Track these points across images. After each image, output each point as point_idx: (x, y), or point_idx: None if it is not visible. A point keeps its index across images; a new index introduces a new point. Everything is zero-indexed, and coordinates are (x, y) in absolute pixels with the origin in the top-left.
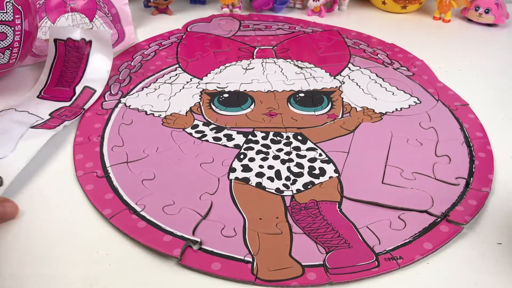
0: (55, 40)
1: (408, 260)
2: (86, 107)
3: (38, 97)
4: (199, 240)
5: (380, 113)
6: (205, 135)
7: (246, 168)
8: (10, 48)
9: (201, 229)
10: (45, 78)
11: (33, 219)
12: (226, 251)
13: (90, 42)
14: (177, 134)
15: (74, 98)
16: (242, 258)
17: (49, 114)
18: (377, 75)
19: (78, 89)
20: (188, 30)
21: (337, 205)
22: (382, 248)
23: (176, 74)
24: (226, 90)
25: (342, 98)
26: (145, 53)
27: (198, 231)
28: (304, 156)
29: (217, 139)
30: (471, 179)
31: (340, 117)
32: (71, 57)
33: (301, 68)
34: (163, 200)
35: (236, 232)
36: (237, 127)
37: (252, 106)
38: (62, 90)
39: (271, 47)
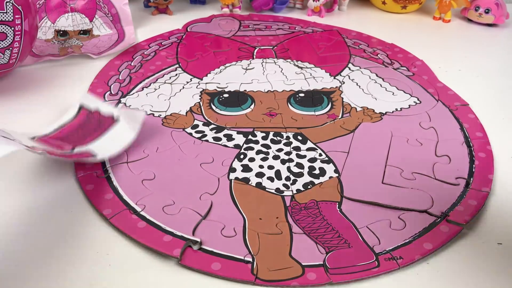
0: (80, 107)
1: (408, 260)
2: (76, 159)
3: (31, 138)
4: (199, 240)
5: (380, 113)
6: (205, 135)
7: (246, 168)
8: (10, 48)
9: (201, 229)
10: (49, 131)
11: (33, 219)
12: (226, 251)
13: (117, 120)
14: (177, 134)
15: (68, 151)
16: (242, 258)
17: (32, 139)
18: (377, 75)
19: (78, 150)
20: (188, 30)
21: (337, 205)
22: (382, 248)
23: (176, 74)
24: (226, 90)
25: (342, 98)
26: (145, 53)
27: (198, 231)
28: (304, 156)
29: (217, 139)
30: (471, 179)
31: (340, 117)
32: (89, 125)
33: (301, 68)
34: (163, 200)
35: (236, 232)
36: (237, 127)
37: (252, 106)
38: (60, 144)
39: (271, 47)
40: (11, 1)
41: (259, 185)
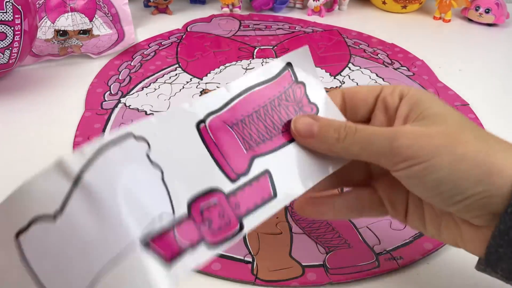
0: (288, 66)
1: (408, 260)
2: (246, 227)
3: (198, 126)
4: None
5: None
6: None
7: None
8: (10, 48)
9: None
10: (228, 97)
11: None
12: (226, 251)
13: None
14: None
15: (243, 181)
16: (242, 258)
17: (188, 205)
18: (377, 75)
19: (257, 168)
20: (188, 30)
21: None
22: (382, 248)
23: (176, 74)
24: None
25: None
26: (145, 53)
27: None
28: None
29: None
30: None
31: None
32: (284, 107)
33: None
34: None
35: None
36: None
37: None
38: (237, 146)
39: (271, 47)
40: (10, 1)
41: None
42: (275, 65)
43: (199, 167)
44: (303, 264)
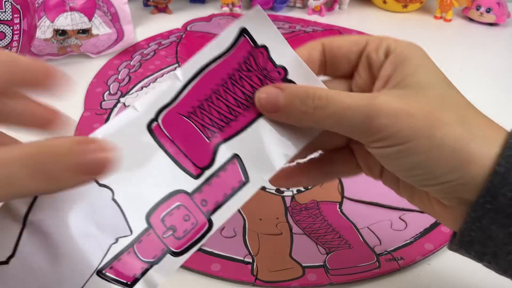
0: (243, 32)
1: (409, 260)
2: (215, 223)
3: (150, 126)
4: None
5: None
6: None
7: None
8: (9, 48)
9: None
10: (179, 85)
11: None
12: (226, 252)
13: (288, 79)
14: None
15: (208, 174)
16: (242, 259)
17: (147, 218)
18: None
19: (223, 155)
20: (188, 29)
21: (338, 205)
22: (383, 249)
23: None
24: None
25: None
26: (144, 52)
27: None
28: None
29: None
30: None
31: None
32: (247, 78)
33: None
34: None
35: (236, 233)
36: None
37: None
38: (196, 137)
39: None
40: (9, 0)
41: None
42: (228, 34)
43: (156, 173)
44: (303, 264)
